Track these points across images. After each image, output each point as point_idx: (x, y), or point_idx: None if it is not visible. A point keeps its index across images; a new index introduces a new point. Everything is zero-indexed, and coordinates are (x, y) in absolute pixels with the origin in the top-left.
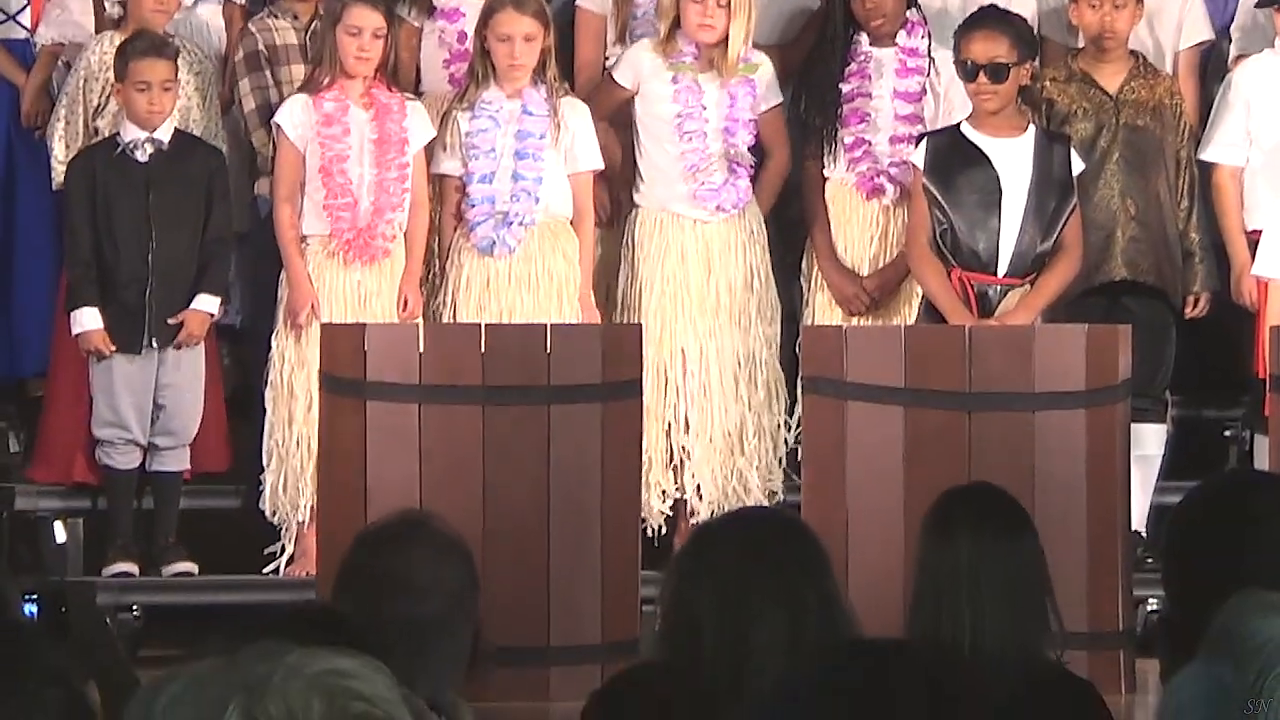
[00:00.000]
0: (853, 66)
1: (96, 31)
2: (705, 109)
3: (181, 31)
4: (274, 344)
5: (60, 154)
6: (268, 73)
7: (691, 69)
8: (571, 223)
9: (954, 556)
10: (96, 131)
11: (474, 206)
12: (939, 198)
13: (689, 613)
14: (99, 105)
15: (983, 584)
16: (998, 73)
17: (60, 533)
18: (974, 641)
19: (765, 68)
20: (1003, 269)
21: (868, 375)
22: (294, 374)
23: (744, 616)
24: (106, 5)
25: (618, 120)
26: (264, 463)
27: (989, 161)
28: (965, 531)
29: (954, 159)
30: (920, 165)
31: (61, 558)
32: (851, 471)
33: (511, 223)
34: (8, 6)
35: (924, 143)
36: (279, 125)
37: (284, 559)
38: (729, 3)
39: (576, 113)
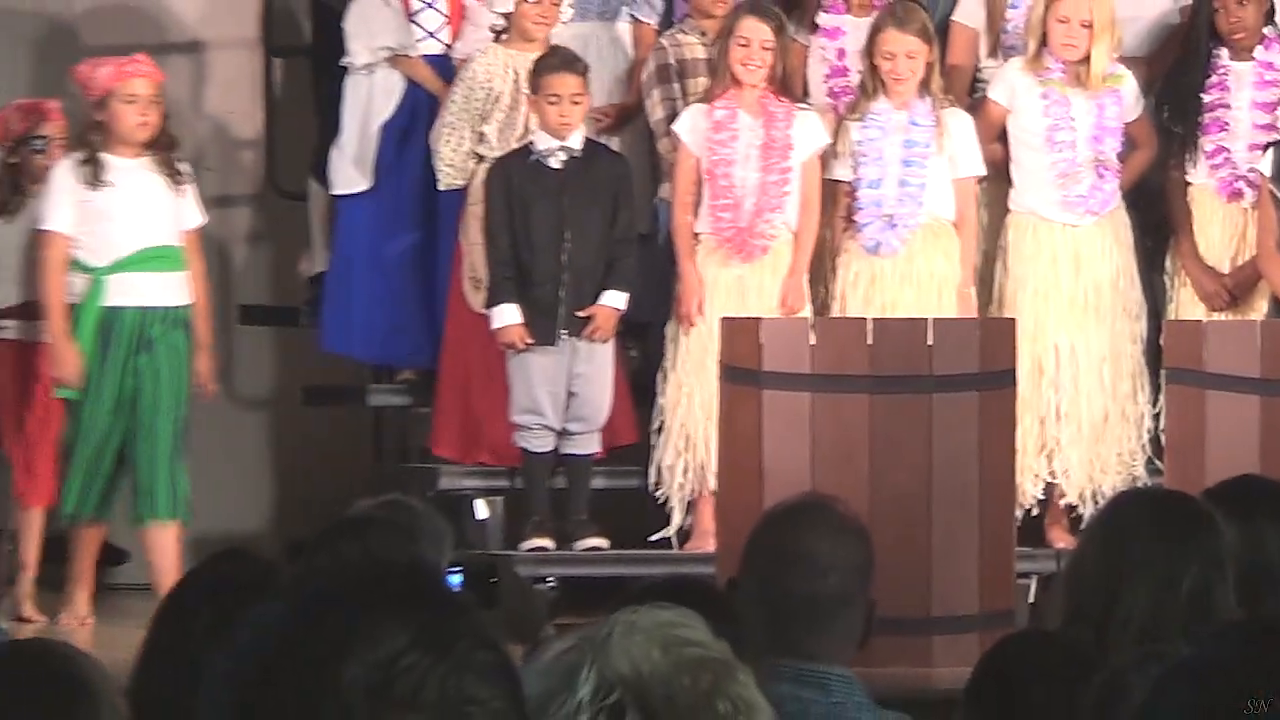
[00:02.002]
0: (1213, 79)
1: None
2: (1073, 120)
3: (592, 47)
4: (667, 335)
5: (446, 156)
6: (676, 85)
7: (1059, 84)
8: (953, 224)
9: (1260, 544)
10: (482, 137)
11: (862, 209)
12: None
13: (1078, 573)
14: (485, 112)
15: None
16: None
17: (481, 510)
18: None
19: (1128, 80)
20: None
21: (1226, 366)
22: (684, 363)
23: (1117, 580)
24: (491, 18)
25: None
26: (659, 445)
27: None
28: (1270, 520)
29: None
30: (1267, 173)
31: (482, 533)
32: (1210, 457)
33: (897, 225)
34: (428, 25)
35: (1270, 151)
36: (676, 133)
37: (675, 534)
38: (1091, 23)
39: (959, 122)
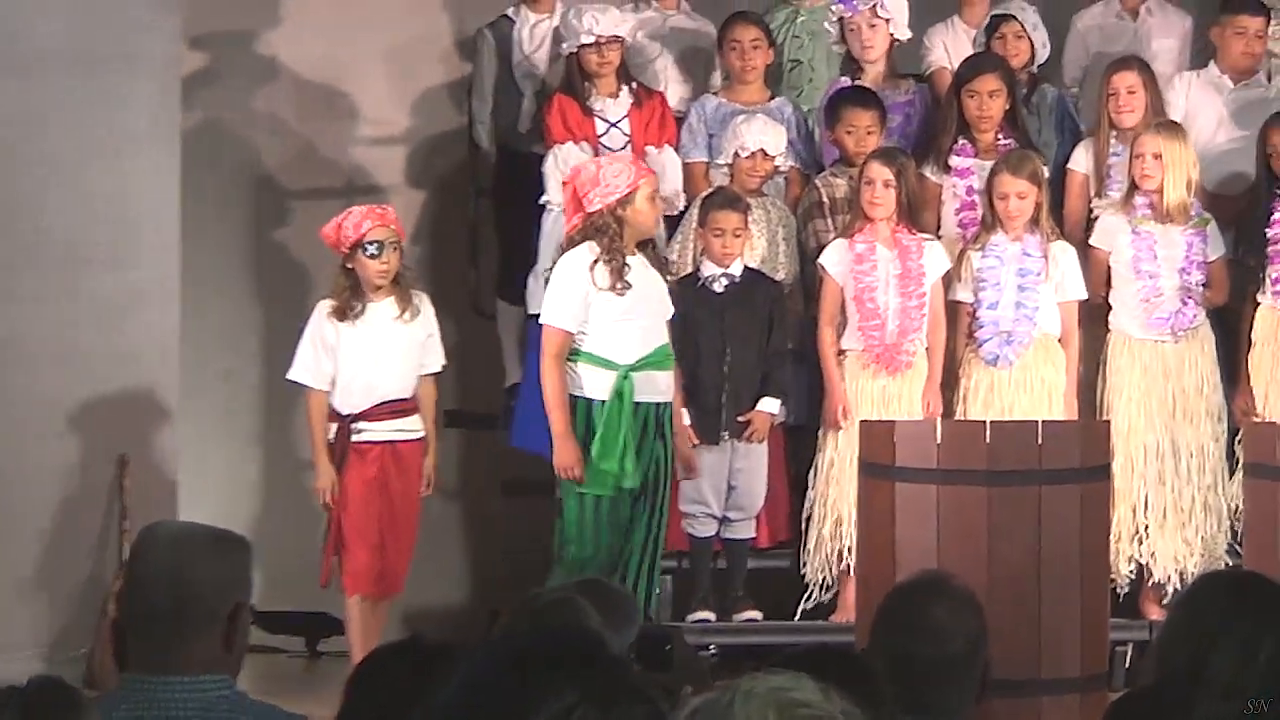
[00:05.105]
0: (1276, 216)
1: (692, 190)
2: (1156, 252)
3: (767, 190)
4: (819, 437)
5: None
6: (828, 220)
7: (1145, 220)
8: (1060, 340)
9: None
10: (698, 267)
11: (983, 327)
12: None
13: (1169, 641)
14: (702, 247)
15: None
16: None
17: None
18: None
19: (1213, 225)
20: None
21: None
22: (831, 461)
23: (1204, 648)
24: (668, 165)
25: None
26: (805, 531)
27: None
28: None
29: None
30: None
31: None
32: None
33: (1012, 341)
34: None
35: None
36: (822, 265)
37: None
38: (1161, 155)
39: (1066, 254)
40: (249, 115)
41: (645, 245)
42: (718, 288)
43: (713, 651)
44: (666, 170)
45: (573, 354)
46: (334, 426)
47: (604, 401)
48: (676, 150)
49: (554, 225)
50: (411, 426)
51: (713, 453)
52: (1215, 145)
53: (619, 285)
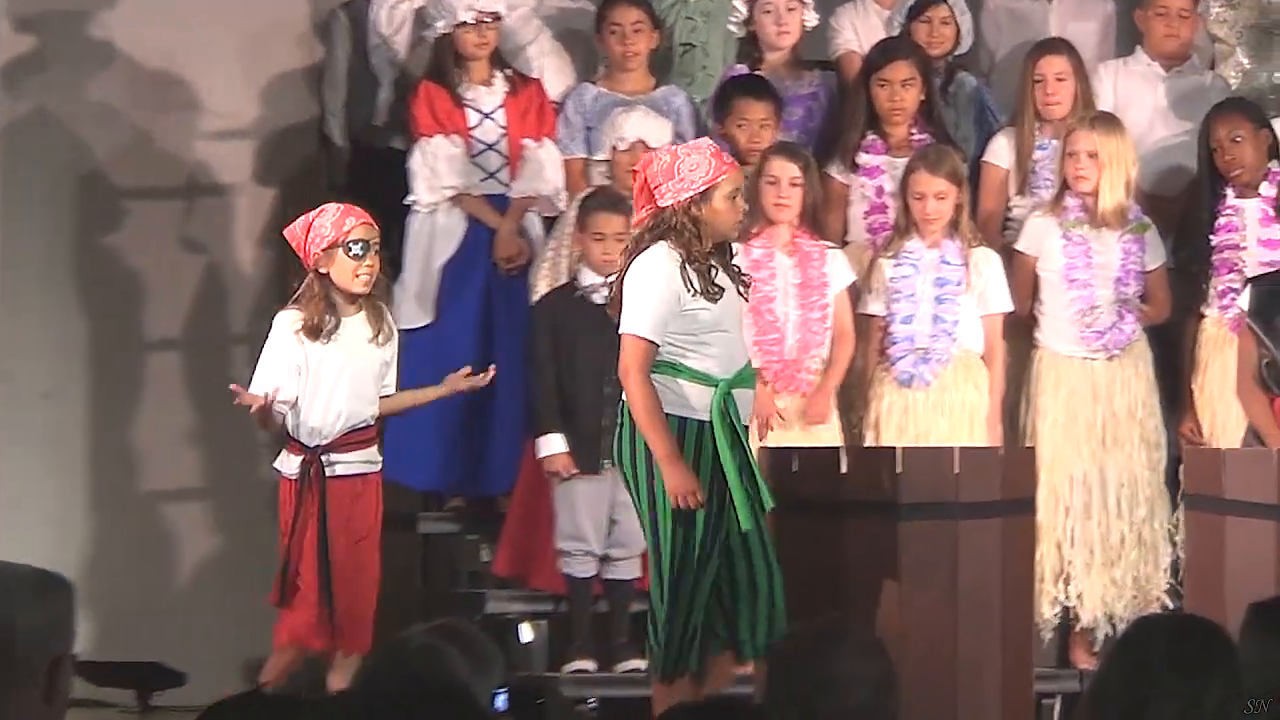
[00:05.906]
0: (1221, 219)
1: (568, 189)
2: (1091, 260)
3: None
4: None
5: (540, 290)
6: None
7: (1078, 225)
8: (982, 357)
9: None
10: (575, 275)
11: (896, 344)
12: (1263, 337)
13: (1101, 694)
14: (579, 253)
15: None
16: None
17: (526, 633)
18: None
19: (1153, 231)
20: None
21: (1244, 493)
22: None
23: (1141, 701)
24: (546, 163)
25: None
26: None
27: None
28: None
29: (1276, 302)
30: (1245, 308)
31: (527, 655)
32: (1230, 581)
33: (930, 359)
34: (489, 166)
35: (1248, 289)
36: None
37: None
38: (1097, 153)
39: (989, 261)
40: (78, 105)
41: (721, 249)
42: (598, 298)
43: (592, 705)
44: (546, 167)
45: (671, 368)
46: (298, 460)
47: (701, 422)
48: (556, 144)
49: (421, 228)
50: (375, 458)
51: (591, 483)
52: (1151, 140)
53: (712, 290)
